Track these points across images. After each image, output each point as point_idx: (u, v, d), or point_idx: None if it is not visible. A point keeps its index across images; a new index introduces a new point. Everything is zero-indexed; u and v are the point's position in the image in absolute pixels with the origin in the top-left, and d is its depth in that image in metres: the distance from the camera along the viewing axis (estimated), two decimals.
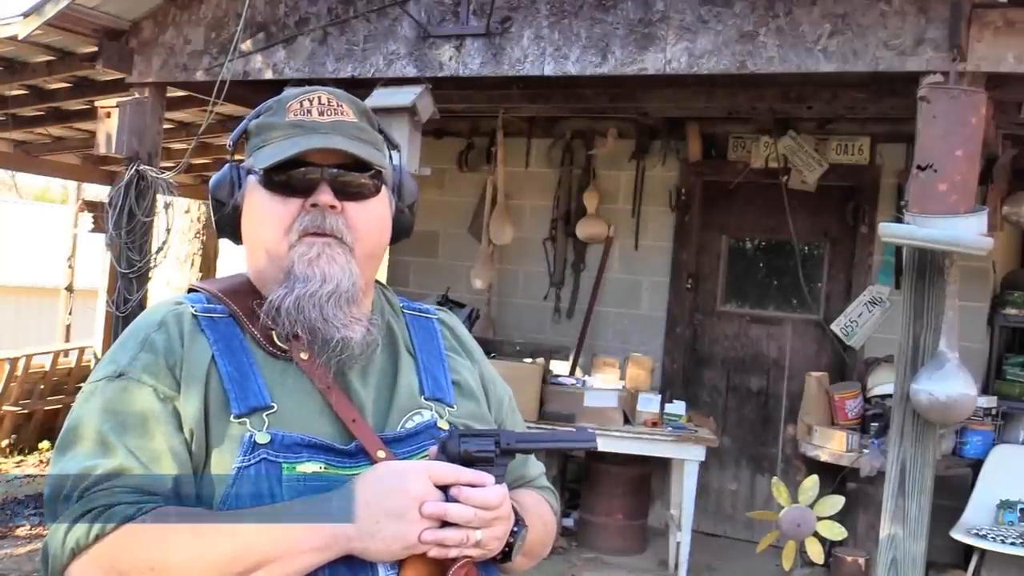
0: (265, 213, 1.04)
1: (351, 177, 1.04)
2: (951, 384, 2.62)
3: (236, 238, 1.11)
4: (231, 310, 1.04)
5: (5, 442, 5.93)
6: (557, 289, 5.35)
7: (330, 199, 1.02)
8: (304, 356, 1.02)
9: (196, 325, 1.02)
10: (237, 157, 1.13)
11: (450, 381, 1.12)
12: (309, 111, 1.05)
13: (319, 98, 1.06)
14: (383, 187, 1.09)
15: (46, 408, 6.13)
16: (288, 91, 1.09)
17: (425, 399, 1.08)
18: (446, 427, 1.06)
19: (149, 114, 4.08)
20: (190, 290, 1.10)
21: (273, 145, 1.04)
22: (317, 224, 1.02)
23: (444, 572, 0.93)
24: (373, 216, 1.06)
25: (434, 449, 1.00)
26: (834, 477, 4.21)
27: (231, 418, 0.96)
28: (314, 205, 1.02)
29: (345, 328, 1.01)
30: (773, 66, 3.08)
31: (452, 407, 1.09)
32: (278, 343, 1.02)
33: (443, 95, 3.82)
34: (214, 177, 1.11)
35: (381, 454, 0.99)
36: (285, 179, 1.03)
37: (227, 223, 1.10)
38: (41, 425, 6.13)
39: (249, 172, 1.07)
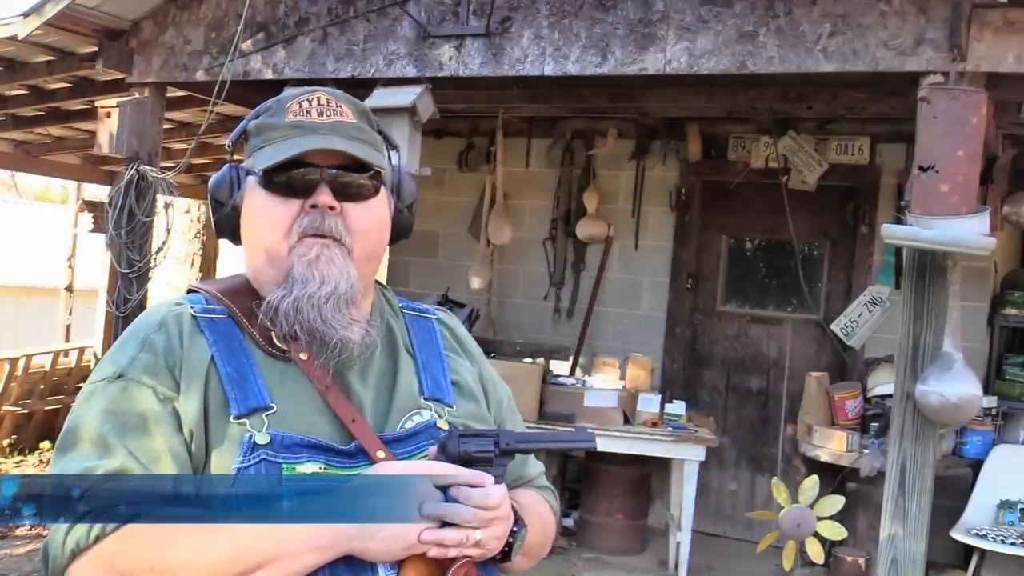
0: (265, 214, 1.04)
1: (350, 178, 1.04)
2: (961, 385, 2.63)
3: (235, 239, 1.11)
4: (230, 311, 1.04)
5: (5, 442, 5.93)
6: (557, 289, 5.35)
7: (329, 200, 1.02)
8: (303, 357, 1.02)
9: (195, 326, 1.02)
10: (236, 157, 1.14)
11: (449, 381, 1.12)
12: (308, 111, 1.05)
13: (318, 98, 1.06)
14: (382, 187, 1.09)
15: (46, 408, 6.13)
16: (288, 91, 1.09)
17: (424, 399, 1.08)
18: (445, 427, 1.06)
19: (149, 114, 4.08)
20: (189, 291, 1.10)
21: (273, 146, 1.04)
22: (316, 225, 1.02)
23: (444, 572, 0.93)
24: (372, 217, 1.07)
25: (433, 449, 1.00)
26: (834, 477, 4.21)
27: (231, 419, 0.96)
28: (313, 206, 1.02)
29: (344, 329, 1.01)
30: (773, 66, 3.08)
31: (451, 407, 1.09)
32: (277, 344, 1.03)
33: (443, 95, 3.82)
34: (213, 178, 1.11)
35: (380, 454, 0.99)
36: (285, 180, 1.03)
37: (227, 224, 1.10)
38: (41, 425, 6.13)
39: (248, 173, 1.07)
